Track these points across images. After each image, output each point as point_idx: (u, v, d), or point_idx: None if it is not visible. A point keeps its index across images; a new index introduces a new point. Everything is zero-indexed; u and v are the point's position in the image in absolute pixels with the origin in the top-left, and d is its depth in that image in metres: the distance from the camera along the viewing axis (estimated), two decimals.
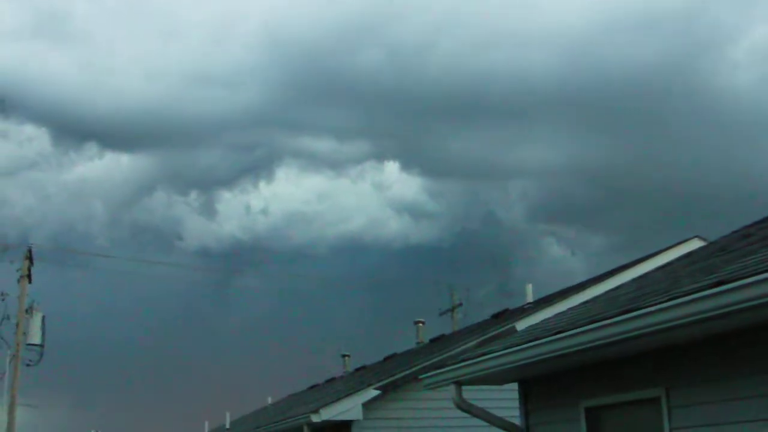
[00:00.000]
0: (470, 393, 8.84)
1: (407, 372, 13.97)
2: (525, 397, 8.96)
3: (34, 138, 66.71)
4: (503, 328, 13.97)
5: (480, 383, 8.88)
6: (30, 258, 31.28)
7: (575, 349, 6.68)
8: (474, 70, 58.34)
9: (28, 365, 30.92)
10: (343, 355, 27.79)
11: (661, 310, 5.66)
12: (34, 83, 66.59)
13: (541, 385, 8.55)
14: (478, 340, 13.66)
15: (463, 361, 8.49)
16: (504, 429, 8.93)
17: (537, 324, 10.39)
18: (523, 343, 7.40)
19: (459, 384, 8.58)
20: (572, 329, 6.67)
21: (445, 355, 13.42)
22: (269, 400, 32.26)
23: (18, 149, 65.31)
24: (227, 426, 26.74)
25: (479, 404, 8.83)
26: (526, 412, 8.90)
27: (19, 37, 67.78)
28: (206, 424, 30.20)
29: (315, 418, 13.63)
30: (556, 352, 6.93)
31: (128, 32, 70.46)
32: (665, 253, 14.10)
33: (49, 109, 66.95)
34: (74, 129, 68.50)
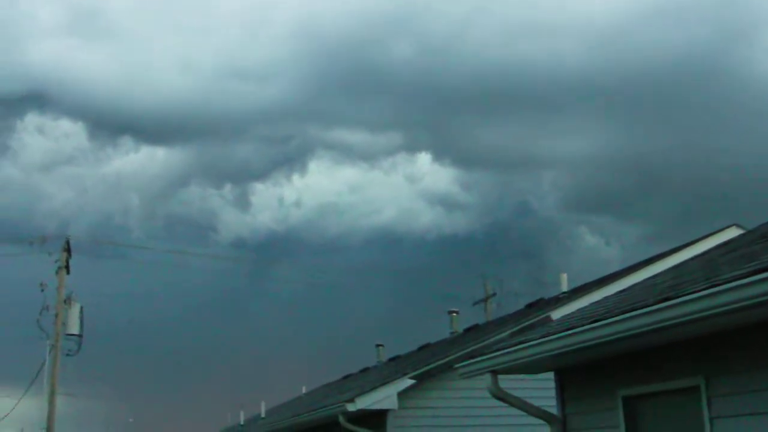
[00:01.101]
0: (506, 382, 8.83)
1: (443, 361, 13.96)
2: (561, 387, 8.93)
3: (71, 133, 67.58)
4: (538, 318, 13.94)
5: (516, 372, 8.87)
6: (68, 250, 31.68)
7: (613, 337, 6.64)
8: (504, 61, 58.05)
9: (67, 355, 31.37)
10: (377, 345, 27.80)
11: (700, 297, 5.61)
12: (70, 79, 67.37)
13: (578, 374, 8.51)
14: (513, 330, 13.66)
15: (499, 350, 8.48)
16: (541, 418, 8.92)
17: (573, 313, 10.35)
18: (560, 332, 7.37)
19: (495, 373, 8.57)
20: (610, 317, 6.63)
21: (480, 345, 13.39)
22: (303, 390, 32.44)
23: (55, 144, 66.17)
24: (262, 415, 26.92)
25: (515, 394, 8.83)
26: (562, 401, 8.87)
27: (56, 34, 68.57)
28: (242, 413, 30.44)
29: (350, 407, 13.67)
30: (593, 341, 6.90)
31: (163, 27, 71.00)
32: (702, 241, 13.94)
33: (84, 104, 67.73)
34: (110, 123, 69.25)
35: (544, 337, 7.65)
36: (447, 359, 13.88)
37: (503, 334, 13.45)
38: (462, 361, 9.46)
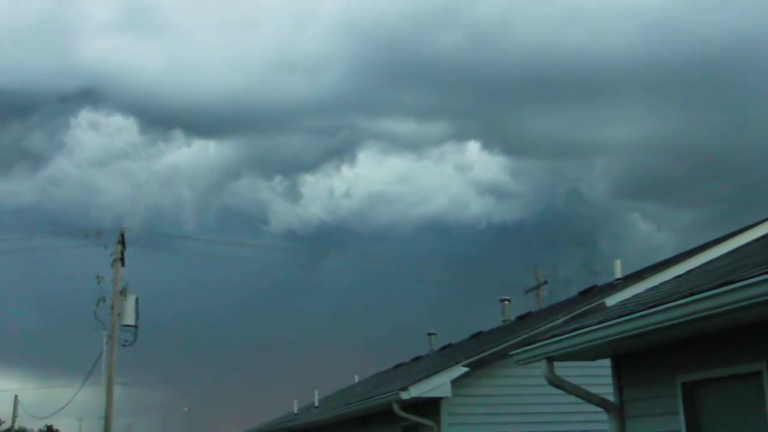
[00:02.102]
0: (561, 370, 8.78)
1: (497, 349, 13.93)
2: (618, 373, 8.86)
3: (124, 129, 68.69)
4: (592, 304, 13.82)
5: (572, 359, 8.80)
6: (123, 242, 32.23)
7: (671, 323, 6.56)
8: (553, 48, 57.56)
9: (123, 345, 31.93)
10: (429, 334, 27.83)
11: (761, 281, 5.51)
12: (122, 75, 68.48)
13: (635, 360, 8.43)
14: (567, 317, 13.56)
15: (555, 336, 8.43)
16: (598, 405, 8.86)
17: (629, 299, 10.24)
18: (618, 318, 7.30)
19: (551, 360, 8.53)
20: (668, 303, 6.56)
21: (534, 332, 13.34)
22: (356, 379, 32.59)
23: (109, 140, 67.33)
24: (316, 404, 27.12)
25: (570, 381, 8.78)
26: (619, 387, 8.79)
27: (109, 31, 69.66)
28: (295, 402, 30.67)
29: (404, 395, 13.71)
30: (651, 327, 6.83)
31: (212, 22, 71.74)
32: (761, 225, 13.68)
33: (136, 99, 68.80)
34: (161, 118, 70.33)
35: (601, 323, 7.59)
36: (501, 347, 13.85)
37: (557, 321, 13.37)
38: (517, 349, 9.44)
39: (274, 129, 76.27)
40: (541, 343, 8.60)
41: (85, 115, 70.81)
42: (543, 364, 8.61)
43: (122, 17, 72.77)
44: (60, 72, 70.48)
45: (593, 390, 8.89)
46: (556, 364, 8.62)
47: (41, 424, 77.58)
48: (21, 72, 69.06)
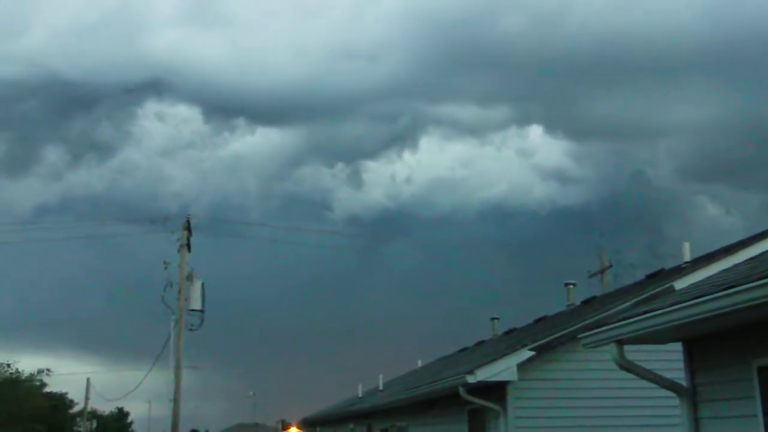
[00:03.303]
0: (630, 353, 8.65)
1: (563, 332, 13.80)
2: (690, 357, 8.69)
3: (188, 118, 69.87)
4: (660, 288, 13.58)
5: (641, 342, 8.68)
6: (188, 228, 32.70)
7: (747, 305, 6.41)
8: (615, 30, 56.66)
9: (190, 330, 32.43)
10: (493, 318, 27.69)
11: None
12: (186, 66, 69.62)
13: (708, 343, 8.26)
14: (635, 300, 13.35)
15: (624, 319, 8.31)
16: (669, 389, 8.72)
17: (700, 281, 10.05)
18: (690, 300, 7.16)
19: (620, 343, 8.42)
20: (745, 284, 6.41)
21: (602, 315, 13.17)
22: (419, 363, 32.65)
23: (174, 129, 68.55)
24: (380, 388, 27.26)
25: (641, 364, 8.65)
26: (691, 371, 8.63)
27: (173, 23, 70.76)
28: (359, 386, 30.89)
29: (470, 379, 13.69)
30: (725, 309, 6.68)
31: (274, 11, 72.37)
32: None
33: (200, 89, 69.82)
34: (225, 107, 71.24)
35: (673, 305, 7.45)
36: (568, 330, 13.72)
37: (625, 305, 13.17)
38: (584, 332, 9.33)
39: (336, 116, 76.93)
40: (610, 326, 8.49)
41: (150, 106, 72.26)
42: (612, 347, 8.49)
43: (187, 9, 74.08)
44: (126, 64, 72.14)
45: (663, 374, 8.76)
46: (625, 347, 8.50)
47: (112, 407, 79.62)
48: (88, 64, 70.89)
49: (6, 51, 70.62)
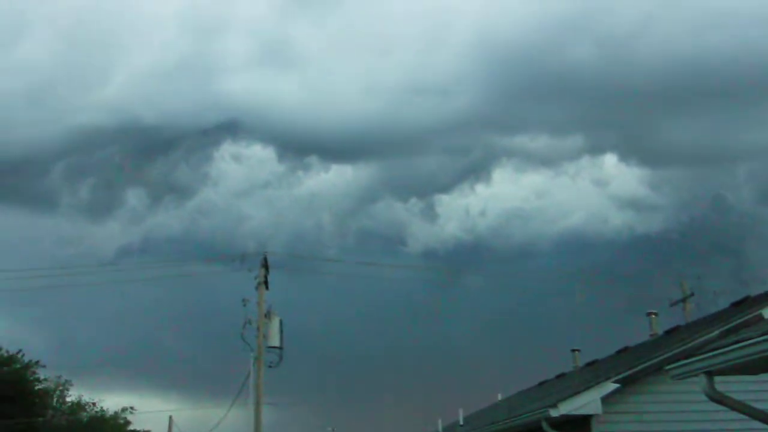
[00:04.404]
0: (720, 384, 8.41)
1: (649, 363, 13.48)
2: None
3: (263, 159, 71.18)
4: (748, 316, 13.23)
5: (732, 373, 8.43)
6: (266, 266, 33.08)
7: None
8: (691, 53, 55.76)
9: (269, 366, 32.67)
10: (573, 350, 27.25)
11: None
12: (260, 107, 70.93)
13: None
14: (722, 329, 13.01)
15: (714, 349, 8.10)
16: (762, 421, 8.44)
17: None
18: None
19: (710, 374, 8.20)
20: None
21: (688, 345, 12.85)
22: (499, 397, 32.25)
23: (250, 170, 69.93)
24: (461, 423, 26.99)
25: (732, 396, 8.40)
26: None
27: (247, 66, 72.46)
28: (439, 421, 30.62)
29: (553, 413, 13.45)
30: None
31: (345, 52, 73.46)
32: None
33: (274, 129, 71.10)
34: (297, 145, 72.27)
35: (764, 334, 7.24)
36: (653, 361, 13.41)
37: (712, 334, 12.84)
38: (671, 363, 9.11)
39: (409, 151, 77.15)
40: (699, 357, 8.28)
41: (226, 147, 73.85)
42: (702, 378, 8.28)
43: (260, 52, 75.60)
44: (202, 107, 73.82)
45: (756, 405, 8.49)
46: (715, 378, 8.27)
47: None
48: (167, 108, 72.77)
49: (89, 100, 73.14)
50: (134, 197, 79.07)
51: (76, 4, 74.56)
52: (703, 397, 8.42)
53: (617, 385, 13.48)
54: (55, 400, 46.12)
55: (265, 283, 33.15)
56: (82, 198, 76.51)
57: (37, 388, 41.02)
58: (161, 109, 72.50)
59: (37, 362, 40.16)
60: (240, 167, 71.85)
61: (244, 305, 32.37)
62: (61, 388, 45.76)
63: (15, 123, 69.97)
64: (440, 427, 29.91)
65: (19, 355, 39.17)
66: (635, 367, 13.67)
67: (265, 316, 32.68)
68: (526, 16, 63.87)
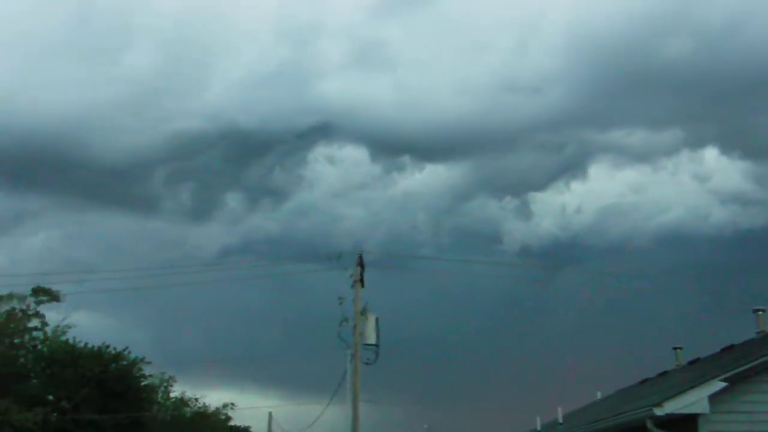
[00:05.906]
0: None
1: (760, 361, 13.06)
2: None
3: (358, 160, 71.91)
4: None
5: None
6: (361, 264, 33.31)
7: None
8: None
9: (366, 364, 32.91)
10: (675, 348, 26.58)
11: None
12: (353, 108, 71.58)
13: None
14: None
15: None
16: None
17: None
18: None
19: None
20: None
21: None
22: (598, 395, 31.71)
23: (344, 172, 70.80)
24: (560, 421, 26.67)
25: None
26: None
27: (340, 69, 73.23)
28: (538, 419, 30.33)
29: (658, 412, 13.14)
30: None
31: (437, 51, 73.45)
32: None
33: (366, 130, 71.68)
34: (390, 146, 72.63)
35: None
36: (765, 359, 12.98)
37: None
38: None
39: (502, 149, 76.61)
40: None
41: (320, 150, 74.90)
42: None
43: (353, 55, 76.29)
44: (297, 110, 75.01)
45: None
46: None
47: None
48: (263, 113, 74.28)
49: (189, 107, 75.22)
50: (233, 200, 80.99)
51: (177, 17, 76.75)
52: None
53: (725, 384, 13.10)
54: (159, 395, 47.52)
55: (361, 281, 33.40)
56: (183, 201, 78.82)
57: (143, 384, 42.30)
58: (257, 113, 73.96)
59: (143, 359, 41.48)
60: (334, 169, 72.74)
61: (340, 303, 32.68)
62: (165, 384, 47.16)
63: (121, 131, 72.53)
64: (539, 426, 29.63)
65: (126, 352, 40.45)
66: (744, 365, 13.27)
67: (361, 313, 32.92)
68: (619, 10, 62.65)
